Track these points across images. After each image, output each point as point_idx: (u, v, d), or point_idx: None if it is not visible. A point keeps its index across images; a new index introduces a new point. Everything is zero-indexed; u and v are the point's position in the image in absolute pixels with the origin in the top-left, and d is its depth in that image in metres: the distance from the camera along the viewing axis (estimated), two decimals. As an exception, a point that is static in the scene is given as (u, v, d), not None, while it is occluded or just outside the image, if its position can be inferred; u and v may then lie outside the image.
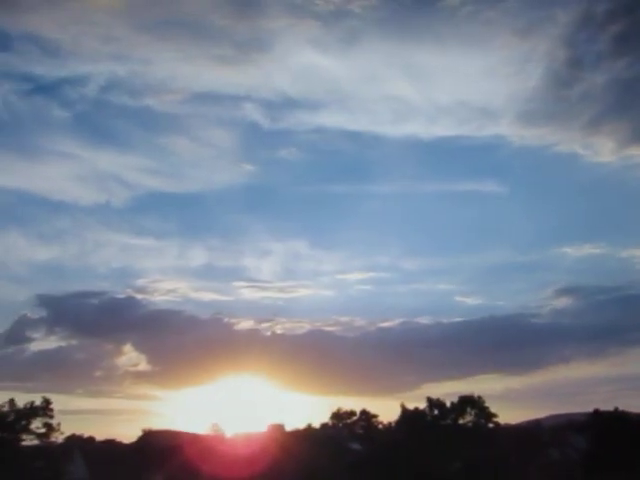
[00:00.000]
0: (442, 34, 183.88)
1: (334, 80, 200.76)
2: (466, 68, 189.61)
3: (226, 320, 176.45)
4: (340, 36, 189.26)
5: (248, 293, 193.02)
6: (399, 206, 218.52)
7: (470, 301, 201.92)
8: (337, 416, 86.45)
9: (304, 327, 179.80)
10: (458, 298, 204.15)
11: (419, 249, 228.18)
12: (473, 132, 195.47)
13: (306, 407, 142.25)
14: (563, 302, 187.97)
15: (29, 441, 68.11)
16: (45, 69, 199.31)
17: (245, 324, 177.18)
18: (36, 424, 67.55)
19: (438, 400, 75.83)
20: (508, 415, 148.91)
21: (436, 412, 75.22)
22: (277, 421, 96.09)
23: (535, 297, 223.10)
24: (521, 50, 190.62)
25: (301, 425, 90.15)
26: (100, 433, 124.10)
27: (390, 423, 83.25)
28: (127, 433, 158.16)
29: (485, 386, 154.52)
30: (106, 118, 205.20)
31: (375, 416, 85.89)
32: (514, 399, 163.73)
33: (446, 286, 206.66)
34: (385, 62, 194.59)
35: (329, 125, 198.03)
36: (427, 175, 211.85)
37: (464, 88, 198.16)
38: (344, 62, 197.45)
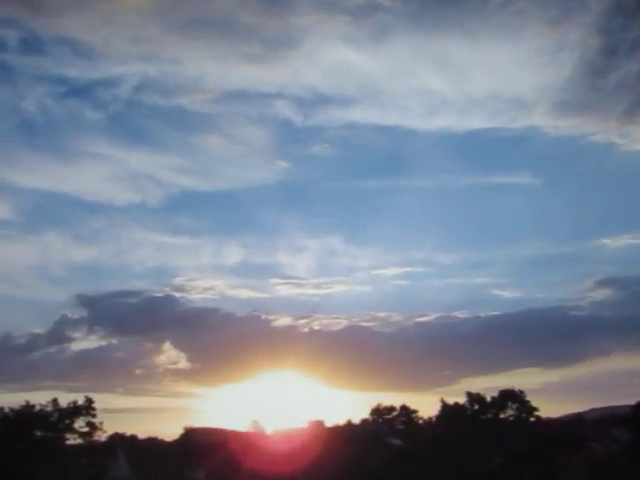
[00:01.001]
0: (473, 26, 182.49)
1: (365, 75, 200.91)
2: (498, 59, 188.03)
3: (263, 317, 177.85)
4: (370, 31, 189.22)
5: (284, 290, 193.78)
6: (433, 200, 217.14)
7: (507, 294, 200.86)
8: (377, 412, 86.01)
9: (341, 323, 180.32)
10: (495, 291, 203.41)
11: (455, 243, 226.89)
12: (506, 124, 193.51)
13: (345, 403, 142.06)
14: (603, 294, 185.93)
15: (73, 440, 68.77)
16: (78, 71, 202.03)
17: (282, 321, 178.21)
18: (79, 423, 68.18)
19: (478, 394, 75.33)
20: (549, 409, 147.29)
21: (476, 407, 74.71)
22: (317, 417, 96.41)
23: (574, 289, 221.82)
24: (553, 40, 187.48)
25: (341, 421, 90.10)
26: (141, 431, 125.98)
27: (430, 418, 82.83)
28: (168, 431, 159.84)
29: (525, 380, 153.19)
30: (139, 118, 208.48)
31: (415, 411, 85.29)
32: (555, 393, 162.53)
33: (483, 279, 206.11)
34: (416, 56, 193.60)
35: (361, 120, 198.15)
36: (461, 168, 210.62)
37: (496, 80, 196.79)
38: (375, 57, 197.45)
